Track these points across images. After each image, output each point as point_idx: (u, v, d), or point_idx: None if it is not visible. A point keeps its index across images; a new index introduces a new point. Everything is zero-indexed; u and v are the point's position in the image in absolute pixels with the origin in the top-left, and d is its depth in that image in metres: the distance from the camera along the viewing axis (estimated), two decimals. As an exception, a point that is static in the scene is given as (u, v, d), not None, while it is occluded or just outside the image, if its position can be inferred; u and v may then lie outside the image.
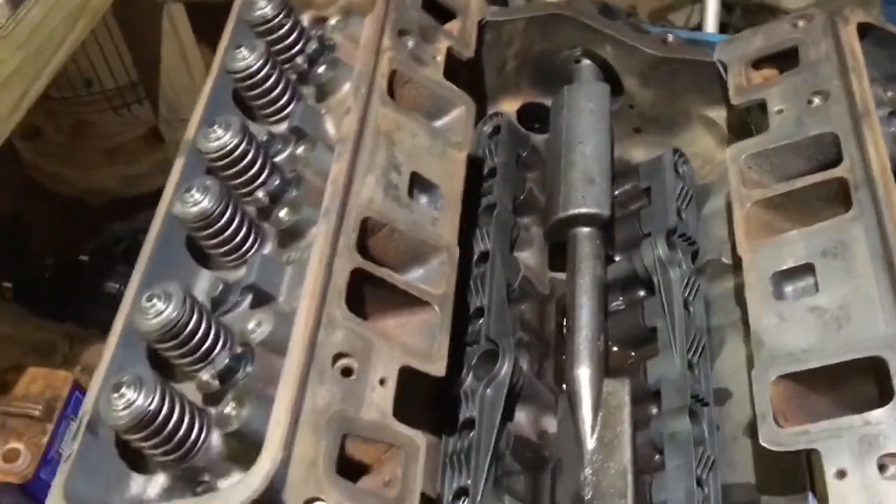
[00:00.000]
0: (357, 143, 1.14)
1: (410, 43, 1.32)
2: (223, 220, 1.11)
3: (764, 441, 0.98)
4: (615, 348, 1.35)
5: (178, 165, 1.22)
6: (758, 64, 1.38)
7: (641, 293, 1.36)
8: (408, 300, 1.10)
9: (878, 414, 0.93)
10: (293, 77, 1.33)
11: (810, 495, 1.05)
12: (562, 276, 1.41)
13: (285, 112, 1.30)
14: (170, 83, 2.47)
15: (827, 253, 1.09)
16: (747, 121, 1.41)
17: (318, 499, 0.87)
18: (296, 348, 0.94)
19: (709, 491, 1.11)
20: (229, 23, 1.41)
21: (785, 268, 1.11)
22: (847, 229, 1.09)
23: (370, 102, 1.19)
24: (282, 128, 1.29)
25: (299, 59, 1.33)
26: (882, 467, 0.91)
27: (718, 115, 1.49)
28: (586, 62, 1.53)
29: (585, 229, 1.33)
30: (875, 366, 0.98)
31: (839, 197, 1.15)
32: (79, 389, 1.99)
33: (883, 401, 0.96)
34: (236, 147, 1.15)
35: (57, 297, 2.57)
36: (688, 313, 1.27)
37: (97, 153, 2.92)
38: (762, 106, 1.32)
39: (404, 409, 1.06)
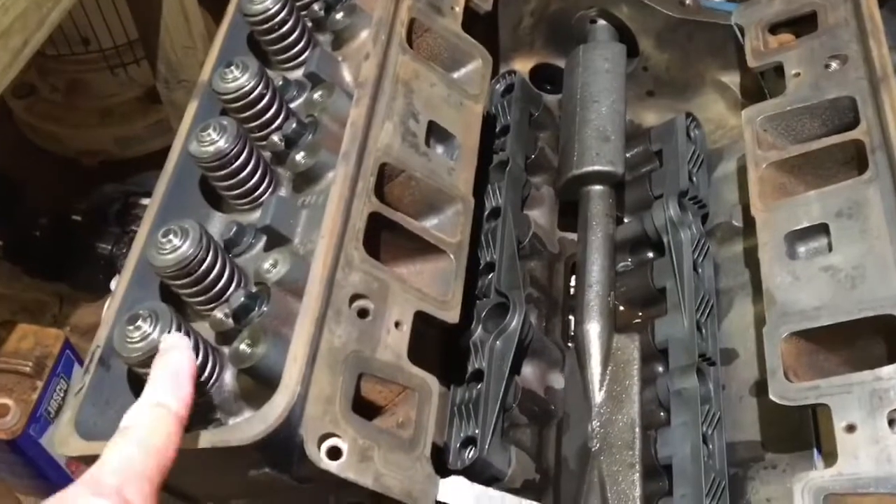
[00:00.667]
0: (376, 88, 1.13)
1: (431, -8, 1.31)
2: (239, 161, 1.11)
3: (774, 395, 0.99)
4: (622, 308, 1.35)
5: (193, 106, 1.21)
6: (774, 28, 1.38)
7: (650, 254, 1.36)
8: (423, 247, 1.10)
9: (889, 370, 0.94)
10: (309, 24, 1.32)
11: (815, 452, 1.07)
12: (571, 236, 1.41)
13: (301, 58, 1.29)
14: (170, 43, 2.44)
15: (842, 214, 1.09)
16: (761, 86, 1.41)
17: (334, 434, 0.87)
18: (314, 287, 0.93)
19: (713, 447, 1.12)
20: (246, -33, 1.39)
21: (799, 228, 1.11)
22: (862, 191, 1.09)
23: (389, 49, 1.18)
24: (297, 74, 1.28)
25: (316, 6, 1.32)
26: (892, 422, 0.91)
27: (732, 79, 1.48)
28: (602, 22, 1.52)
29: (598, 187, 1.33)
30: (886, 325, 0.99)
31: (855, 160, 1.15)
32: (70, 348, 1.99)
33: (893, 359, 0.97)
34: (253, 89, 1.14)
35: (48, 257, 2.55)
36: (697, 274, 1.28)
37: (92, 113, 2.89)
38: (777, 70, 1.32)
39: (416, 356, 1.07)
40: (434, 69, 1.23)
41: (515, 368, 1.20)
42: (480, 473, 1.09)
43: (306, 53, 1.29)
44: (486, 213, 1.34)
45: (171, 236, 0.98)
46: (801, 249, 1.12)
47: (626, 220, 1.43)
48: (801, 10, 1.34)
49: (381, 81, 1.14)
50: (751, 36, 1.37)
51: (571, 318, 1.33)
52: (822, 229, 1.10)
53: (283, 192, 1.15)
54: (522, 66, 1.60)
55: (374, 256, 1.04)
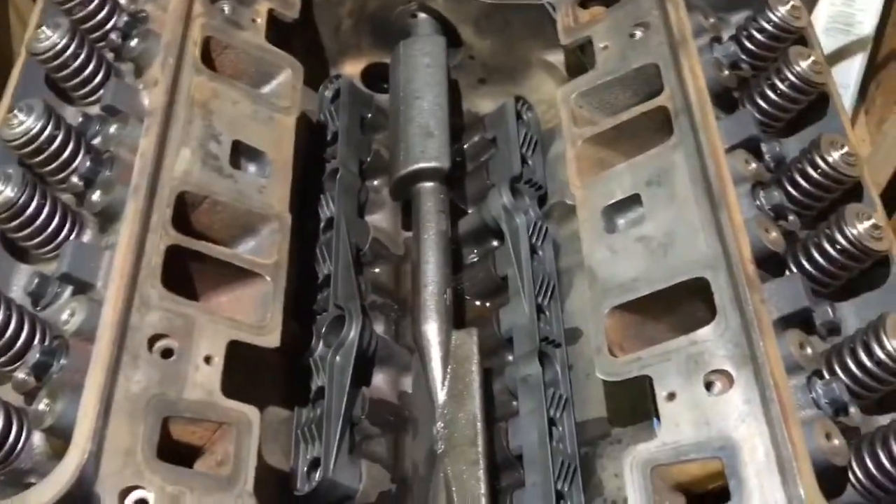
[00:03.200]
0: (167, 115, 1.09)
1: (226, 7, 1.26)
2: (30, 210, 1.05)
3: (600, 373, 0.99)
4: (476, 302, 1.34)
5: (-16, 160, 1.14)
6: (586, 3, 1.38)
7: (494, 243, 1.35)
8: (238, 273, 1.06)
9: (703, 332, 0.94)
10: (109, 55, 1.26)
11: (655, 421, 1.07)
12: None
13: (100, 92, 1.23)
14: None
15: (651, 182, 1.09)
16: (583, 62, 1.41)
17: (138, 486, 0.83)
18: (104, 334, 0.89)
19: (563, 430, 1.11)
20: (38, 2, 1.33)
21: (613, 201, 1.11)
22: (669, 156, 1.09)
23: (180, 72, 1.14)
24: (97, 109, 1.23)
25: (113, 35, 1.26)
26: (709, 385, 0.92)
27: (557, 58, 1.49)
28: (422, 16, 1.50)
29: (428, 184, 1.31)
30: (703, 288, 0.99)
31: (666, 125, 1.15)
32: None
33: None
34: (41, 131, 1.09)
35: None
36: (536, 258, 1.27)
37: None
38: (590, 42, 1.32)
39: (254, 387, 1.03)
40: (236, 86, 1.19)
41: (361, 380, 1.17)
42: (329, 494, 1.06)
43: (105, 87, 1.23)
44: (322, 224, 1.31)
45: (-46, 300, 0.93)
46: (621, 222, 1.12)
47: (469, 211, 1.41)
48: (607, -19, 1.34)
49: (172, 107, 1.10)
50: (562, 13, 1.36)
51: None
52: (637, 199, 1.11)
53: (87, 234, 1.10)
54: (353, 68, 1.57)
55: (186, 289, 1.00)
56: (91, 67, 1.22)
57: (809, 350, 0.95)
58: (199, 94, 1.14)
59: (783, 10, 1.25)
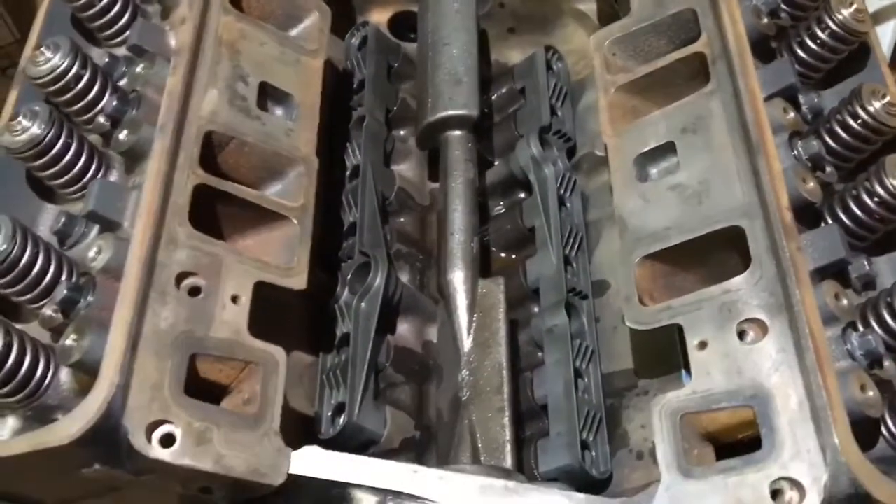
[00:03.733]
0: (194, 54, 1.07)
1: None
2: (57, 148, 1.04)
3: (629, 321, 0.97)
4: (502, 254, 1.33)
5: (12, 97, 1.14)
6: (621, -51, 1.34)
7: (521, 195, 1.33)
8: (265, 216, 1.05)
9: (736, 281, 0.93)
10: (134, -5, 1.24)
11: (683, 373, 1.05)
12: (441, 185, 1.37)
13: (126, 33, 1.22)
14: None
15: (687, 129, 1.07)
16: (617, 12, 1.38)
17: (166, 421, 0.83)
18: (132, 270, 0.88)
19: (589, 381, 1.10)
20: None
21: (647, 149, 1.09)
22: (705, 103, 1.07)
23: (208, 12, 1.12)
24: (124, 49, 1.21)
25: (138, -22, 1.24)
26: (742, 334, 0.90)
27: (589, 7, 1.45)
28: (453, -37, 1.46)
29: (456, 132, 1.29)
30: (737, 237, 0.97)
31: (701, 74, 1.13)
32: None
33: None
34: (68, 69, 1.08)
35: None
36: (564, 209, 1.25)
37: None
38: (627, -10, 1.28)
39: (279, 328, 1.03)
40: (263, 27, 1.17)
41: (385, 328, 1.17)
42: (353, 439, 1.06)
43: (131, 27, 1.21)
44: (348, 172, 1.30)
45: (-19, 234, 0.92)
46: (653, 171, 1.10)
47: (496, 164, 1.39)
48: (642, -73, 1.30)
49: (199, 46, 1.08)
50: (596, -40, 1.33)
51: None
52: (671, 147, 1.08)
53: (114, 174, 1.09)
54: (380, 16, 1.54)
55: (213, 231, 1.00)
56: (117, 8, 1.20)
57: (845, 301, 0.93)
58: (227, 35, 1.12)
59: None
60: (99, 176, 1.08)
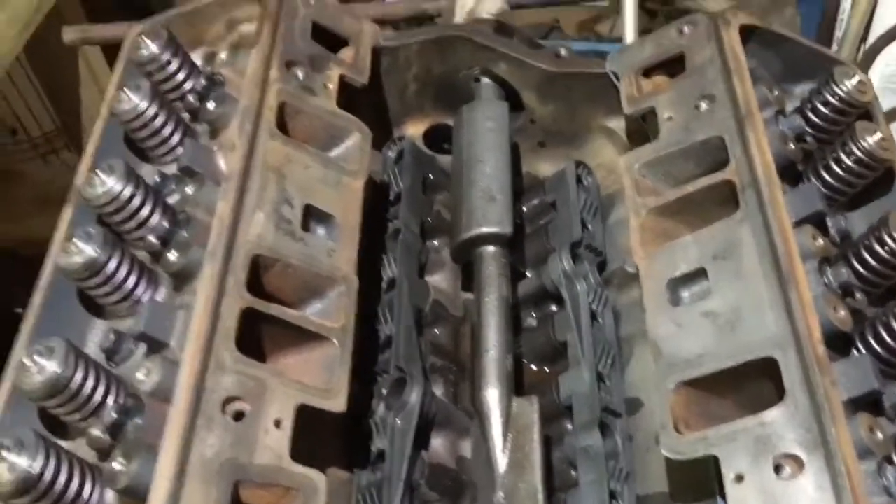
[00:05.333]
0: (243, 179, 1.12)
1: (300, 74, 1.30)
2: (109, 268, 1.08)
3: (665, 450, 0.98)
4: (533, 366, 1.34)
5: (67, 215, 1.19)
6: (649, 72, 1.40)
7: (553, 308, 1.36)
8: (306, 336, 1.08)
9: (771, 414, 0.94)
10: (185, 115, 1.31)
11: (720, 500, 1.05)
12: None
13: (177, 152, 1.28)
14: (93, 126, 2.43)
15: (718, 256, 1.09)
16: (645, 129, 1.42)
17: (210, 551, 0.84)
18: (181, 396, 0.91)
19: (624, 503, 1.11)
20: (118, 64, 1.39)
21: (679, 274, 1.12)
22: (735, 231, 1.10)
23: (257, 137, 1.18)
24: (174, 168, 1.27)
25: (190, 97, 1.31)
26: (777, 468, 0.91)
27: (617, 124, 1.50)
28: (486, 80, 1.53)
29: (490, 248, 1.33)
30: (770, 366, 0.99)
31: (730, 199, 1.16)
32: None
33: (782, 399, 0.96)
34: (121, 192, 1.13)
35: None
36: (596, 325, 1.28)
37: (28, 203, 2.85)
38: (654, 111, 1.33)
39: (314, 446, 1.04)
40: (307, 151, 1.22)
41: (420, 444, 1.18)
42: (389, 559, 1.06)
43: (181, 146, 1.27)
44: (384, 285, 1.33)
45: (36, 357, 0.96)
46: (685, 295, 1.12)
47: (528, 275, 1.42)
48: (671, 52, 1.36)
49: (248, 171, 1.13)
50: (625, 82, 1.38)
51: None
52: (703, 273, 1.11)
53: (161, 293, 1.13)
54: (416, 129, 1.60)
55: (255, 351, 1.03)
56: (169, 129, 1.27)
57: (880, 435, 0.94)
58: (274, 159, 1.17)
59: (850, 84, 1.26)
60: (147, 294, 1.12)
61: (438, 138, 1.61)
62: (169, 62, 1.31)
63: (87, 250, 1.06)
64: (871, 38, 2.33)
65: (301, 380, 1.04)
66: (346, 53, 1.42)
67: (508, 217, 1.32)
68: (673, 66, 1.38)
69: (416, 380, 1.17)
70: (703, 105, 1.26)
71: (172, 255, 1.11)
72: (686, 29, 1.37)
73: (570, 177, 1.44)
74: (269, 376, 0.99)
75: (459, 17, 2.00)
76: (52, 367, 0.95)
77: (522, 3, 2.19)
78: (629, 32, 2.98)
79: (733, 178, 1.15)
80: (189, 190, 1.19)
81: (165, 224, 1.14)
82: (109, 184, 1.13)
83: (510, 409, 1.16)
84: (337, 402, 1.03)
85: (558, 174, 1.47)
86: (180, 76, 1.31)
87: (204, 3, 1.41)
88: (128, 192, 1.13)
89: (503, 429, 1.15)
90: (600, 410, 1.17)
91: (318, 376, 1.06)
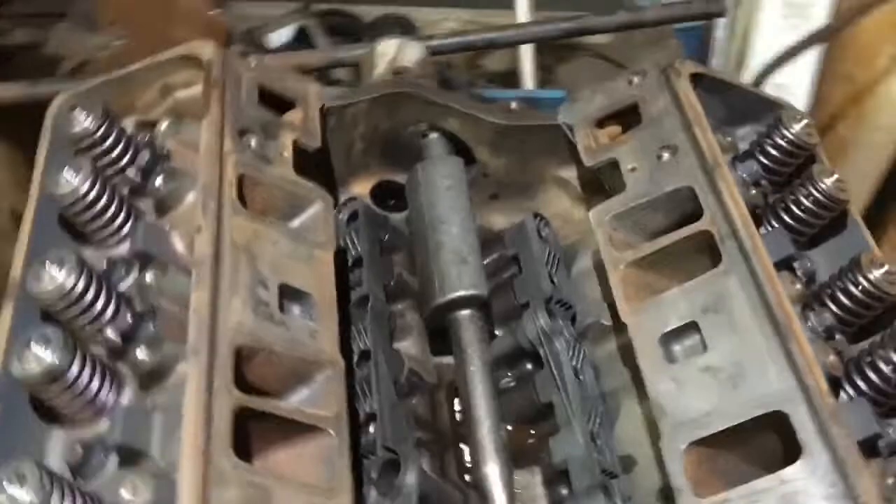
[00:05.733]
0: (216, 263, 1.04)
1: (253, 142, 1.23)
2: (72, 374, 0.98)
3: (688, 516, 0.97)
4: (510, 427, 1.31)
5: (7, 313, 1.07)
6: (602, 123, 1.41)
7: (529, 366, 1.32)
8: (299, 428, 1.01)
9: (791, 471, 0.94)
10: (125, 192, 1.21)
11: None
12: (446, 359, 1.36)
13: (123, 233, 1.18)
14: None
15: (708, 309, 1.10)
16: (598, 178, 1.42)
17: None
18: (187, 521, 0.82)
19: (632, 569, 1.08)
20: (43, 141, 1.27)
21: (670, 329, 1.11)
22: (722, 283, 1.10)
23: (221, 216, 1.10)
24: (122, 250, 1.17)
25: (130, 172, 1.21)
26: (806, 527, 0.91)
27: (570, 174, 1.50)
28: (434, 135, 1.50)
29: (466, 311, 1.29)
30: (775, 418, 0.99)
31: (707, 248, 1.17)
32: None
33: (789, 453, 0.97)
34: (74, 286, 1.02)
35: None
36: (580, 383, 1.26)
37: None
38: (613, 163, 1.33)
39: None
40: (273, 225, 1.15)
41: (419, 528, 1.12)
42: None
43: (127, 227, 1.17)
44: (356, 358, 1.27)
45: (6, 485, 0.84)
46: (678, 349, 1.12)
47: (497, 333, 1.39)
48: (623, 102, 1.38)
49: (219, 255, 1.05)
50: (581, 134, 1.38)
51: (464, 447, 1.27)
52: (695, 326, 1.11)
53: (127, 394, 1.03)
54: (362, 188, 1.55)
55: (245, 450, 0.95)
56: (113, 208, 1.17)
57: (891, 480, 0.96)
58: (241, 238, 1.09)
59: (797, 127, 1.30)
60: (111, 397, 1.02)
61: (384, 196, 1.56)
62: (106, 136, 1.21)
63: (45, 357, 0.95)
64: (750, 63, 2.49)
65: (296, 476, 0.96)
66: (295, 116, 1.36)
67: (482, 278, 1.29)
68: (625, 115, 1.39)
69: (411, 461, 1.11)
70: (666, 155, 1.27)
71: (141, 353, 1.01)
72: (635, 79, 1.38)
73: (531, 229, 1.42)
74: (273, 482, 0.91)
75: (381, 67, 1.96)
76: (26, 498, 0.84)
77: (441, 50, 2.18)
78: (528, 79, 3.12)
79: (710, 229, 1.16)
80: (148, 277, 1.09)
81: (128, 318, 1.04)
82: (60, 279, 1.02)
83: (512, 483, 1.12)
84: (340, 502, 0.96)
85: (517, 227, 1.45)
86: (119, 150, 1.22)
87: (135, 68, 1.32)
88: (81, 285, 1.03)
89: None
90: (600, 473, 1.14)
91: (314, 471, 0.99)
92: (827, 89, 2.30)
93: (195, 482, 0.85)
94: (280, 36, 4.22)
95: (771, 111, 1.37)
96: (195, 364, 0.94)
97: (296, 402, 1.05)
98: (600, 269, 1.35)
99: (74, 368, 0.98)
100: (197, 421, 0.89)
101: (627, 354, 1.26)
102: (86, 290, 1.03)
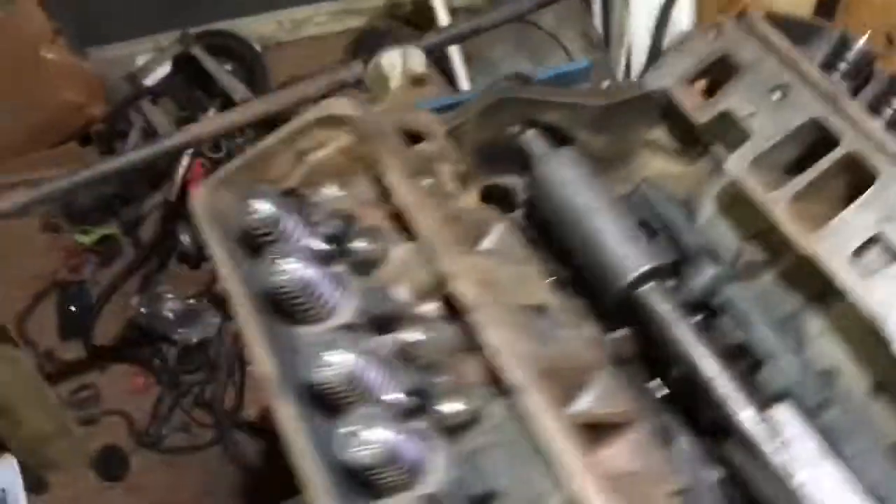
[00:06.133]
0: (481, 304, 1.08)
1: (427, 181, 1.26)
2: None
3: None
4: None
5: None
6: (691, 82, 1.51)
7: (700, 317, 1.43)
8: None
9: None
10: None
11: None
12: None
13: (330, 304, 1.18)
14: None
15: (886, 219, 1.23)
16: (702, 133, 1.52)
17: None
18: None
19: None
20: (213, 240, 1.24)
21: (857, 247, 1.24)
22: (892, 191, 1.24)
23: (455, 259, 1.13)
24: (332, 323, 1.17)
25: (321, 242, 1.22)
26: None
27: (657, 135, 1.60)
28: (531, 131, 1.55)
29: (650, 284, 1.37)
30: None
31: (851, 169, 1.30)
32: None
33: None
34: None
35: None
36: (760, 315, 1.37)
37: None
38: (724, 114, 1.44)
39: None
40: (485, 254, 1.20)
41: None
42: None
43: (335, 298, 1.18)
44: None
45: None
46: (868, 262, 1.25)
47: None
48: (712, 56, 1.48)
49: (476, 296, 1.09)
50: (683, 94, 1.48)
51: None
52: (874, 239, 1.24)
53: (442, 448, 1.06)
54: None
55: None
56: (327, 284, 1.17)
57: None
58: (477, 274, 1.13)
59: (862, 41, 1.46)
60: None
61: (490, 198, 1.61)
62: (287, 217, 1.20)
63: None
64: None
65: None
66: (429, 147, 1.38)
67: (657, 248, 1.38)
68: (711, 71, 1.50)
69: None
70: (777, 94, 1.39)
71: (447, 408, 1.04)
72: (714, 33, 1.49)
73: (651, 194, 1.52)
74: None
75: (397, 78, 2.00)
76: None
77: (432, 49, 2.22)
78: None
79: (853, 150, 1.29)
80: (409, 338, 1.11)
81: (416, 379, 1.06)
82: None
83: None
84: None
85: (635, 194, 1.54)
86: (303, 227, 1.22)
87: (271, 141, 1.30)
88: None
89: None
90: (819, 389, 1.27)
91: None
92: None
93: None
94: (158, 73, 4.11)
95: (819, 36, 1.52)
96: (530, 397, 0.98)
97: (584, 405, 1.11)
98: (724, 213, 1.46)
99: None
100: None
101: (794, 280, 1.38)
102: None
